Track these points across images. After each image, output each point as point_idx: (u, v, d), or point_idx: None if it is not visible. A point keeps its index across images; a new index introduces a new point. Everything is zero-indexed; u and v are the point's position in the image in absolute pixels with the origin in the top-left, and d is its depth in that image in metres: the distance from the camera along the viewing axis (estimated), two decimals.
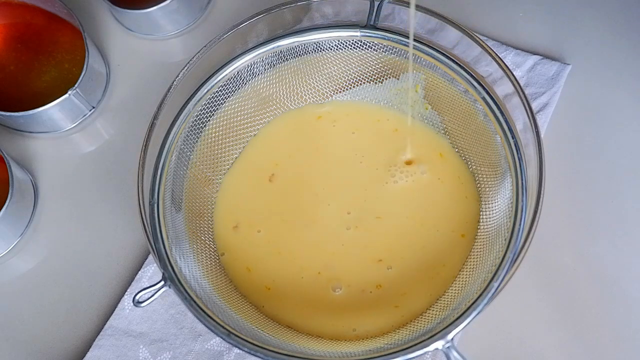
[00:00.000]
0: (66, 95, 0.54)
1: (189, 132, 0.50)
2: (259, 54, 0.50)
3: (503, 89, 0.49)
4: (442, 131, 0.53)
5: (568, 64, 0.56)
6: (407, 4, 0.47)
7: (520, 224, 0.43)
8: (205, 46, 0.49)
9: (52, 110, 0.55)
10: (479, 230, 0.49)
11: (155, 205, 0.46)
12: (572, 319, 0.49)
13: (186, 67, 0.49)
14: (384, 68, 0.53)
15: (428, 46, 0.48)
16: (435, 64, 0.49)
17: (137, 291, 0.43)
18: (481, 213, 0.50)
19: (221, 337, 0.42)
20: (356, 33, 0.50)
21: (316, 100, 0.55)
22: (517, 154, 0.45)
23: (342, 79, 0.54)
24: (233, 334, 0.42)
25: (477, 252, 0.48)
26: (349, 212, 0.51)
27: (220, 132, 0.53)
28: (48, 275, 0.53)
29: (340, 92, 0.55)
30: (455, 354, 0.40)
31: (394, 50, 0.51)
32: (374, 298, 0.48)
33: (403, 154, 0.52)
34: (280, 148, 0.54)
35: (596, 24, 0.59)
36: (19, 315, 0.52)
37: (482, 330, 0.48)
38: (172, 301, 0.50)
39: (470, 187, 0.51)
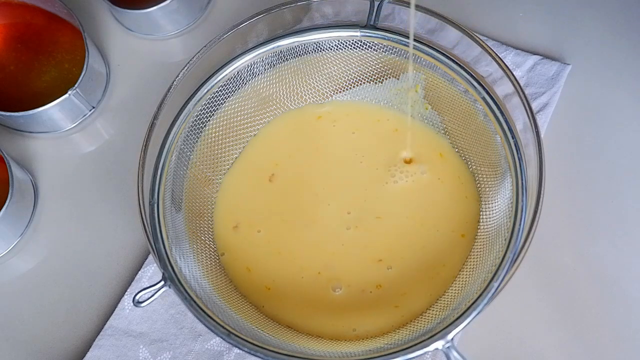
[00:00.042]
0: (66, 95, 0.54)
1: (189, 132, 0.50)
2: (259, 54, 0.50)
3: (503, 89, 0.49)
4: (442, 131, 0.53)
5: (568, 64, 0.56)
6: (407, 4, 0.47)
7: (520, 224, 0.43)
8: (205, 46, 0.49)
9: (52, 110, 0.55)
10: (479, 230, 0.49)
11: (155, 205, 0.46)
12: (572, 319, 0.49)
13: (186, 67, 0.49)
14: (384, 68, 0.53)
15: (428, 46, 0.48)
16: (435, 64, 0.49)
17: (137, 291, 0.43)
18: (481, 213, 0.50)
19: (221, 337, 0.42)
20: (356, 33, 0.50)
21: (316, 100, 0.55)
22: (517, 154, 0.45)
23: (342, 79, 0.54)
24: (233, 334, 0.42)
25: (477, 252, 0.48)
26: (349, 212, 0.51)
27: (220, 132, 0.52)
28: (48, 275, 0.53)
29: (340, 92, 0.55)
30: (455, 354, 0.40)
31: (394, 50, 0.51)
32: (374, 298, 0.48)
33: (403, 154, 0.52)
34: (280, 148, 0.54)
35: (596, 24, 0.59)
36: (19, 315, 0.52)
37: (482, 330, 0.48)
38: (172, 301, 0.50)
39: (470, 187, 0.51)
